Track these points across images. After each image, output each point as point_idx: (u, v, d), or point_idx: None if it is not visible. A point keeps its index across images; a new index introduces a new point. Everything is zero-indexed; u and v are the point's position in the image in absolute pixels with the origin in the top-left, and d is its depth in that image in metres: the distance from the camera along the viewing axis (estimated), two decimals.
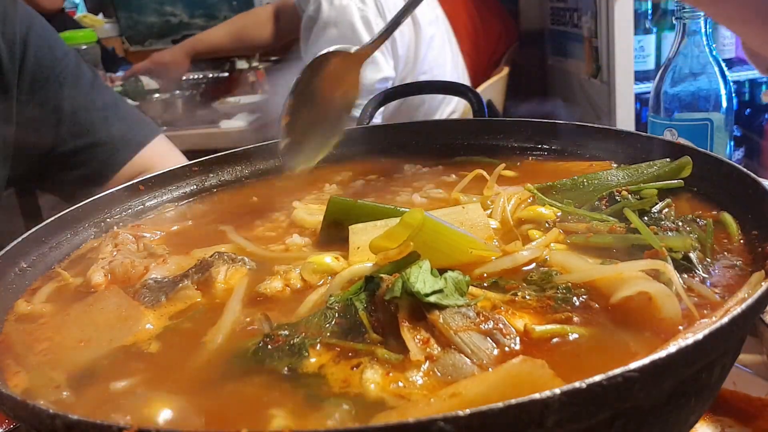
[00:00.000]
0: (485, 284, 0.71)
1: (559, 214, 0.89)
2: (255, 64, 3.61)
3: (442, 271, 0.65)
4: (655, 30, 3.20)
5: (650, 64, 3.23)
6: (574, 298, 0.67)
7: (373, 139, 1.29)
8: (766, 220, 0.75)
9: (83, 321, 0.74)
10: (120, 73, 3.50)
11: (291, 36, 3.02)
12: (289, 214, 1.01)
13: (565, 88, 3.79)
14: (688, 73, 1.55)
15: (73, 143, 1.54)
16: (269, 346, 0.63)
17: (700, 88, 1.55)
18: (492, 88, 3.05)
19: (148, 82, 3.29)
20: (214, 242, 0.93)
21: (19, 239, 0.87)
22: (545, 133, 1.16)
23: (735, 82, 1.70)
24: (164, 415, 0.58)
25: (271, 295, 0.76)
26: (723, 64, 1.54)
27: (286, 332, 0.65)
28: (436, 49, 2.76)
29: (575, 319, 0.64)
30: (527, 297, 0.68)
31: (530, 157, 1.17)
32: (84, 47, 2.97)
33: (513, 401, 0.43)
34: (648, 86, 3.04)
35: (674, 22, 1.55)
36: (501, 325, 0.62)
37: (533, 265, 0.76)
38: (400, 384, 0.57)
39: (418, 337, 0.60)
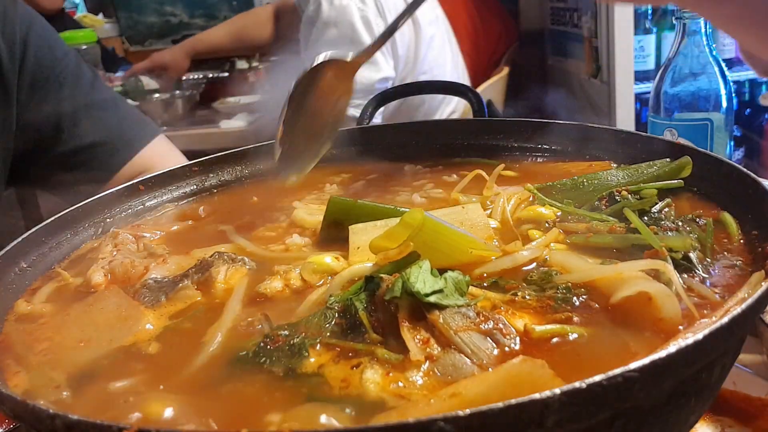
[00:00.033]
0: (485, 284, 0.71)
1: (559, 214, 0.89)
2: (255, 64, 3.61)
3: (442, 271, 0.65)
4: (655, 30, 3.20)
5: (650, 64, 3.23)
6: (574, 298, 0.67)
7: (373, 139, 1.29)
8: (766, 220, 0.75)
9: (83, 321, 0.74)
10: (120, 73, 3.50)
11: (291, 36, 3.02)
12: (289, 214, 1.01)
13: (565, 88, 3.79)
14: (688, 73, 1.55)
15: (73, 143, 1.54)
16: (269, 347, 0.63)
17: (700, 88, 1.55)
18: (492, 88, 3.05)
19: (148, 82, 3.29)
20: (214, 242, 0.93)
21: (19, 239, 0.87)
22: (545, 133, 1.16)
23: (735, 82, 1.70)
24: (164, 415, 0.58)
25: (271, 295, 0.76)
26: (723, 64, 1.54)
27: (286, 332, 0.65)
28: (436, 49, 2.76)
29: (575, 319, 0.65)
30: (527, 297, 0.68)
31: (530, 157, 1.17)
32: (84, 47, 2.97)
33: (513, 401, 0.43)
34: (648, 86, 3.04)
35: (674, 22, 1.55)
36: (501, 325, 0.62)
37: (533, 265, 0.76)
38: (400, 384, 0.57)
39: (418, 337, 0.60)
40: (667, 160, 0.94)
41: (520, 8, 4.05)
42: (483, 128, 1.22)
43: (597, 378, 0.45)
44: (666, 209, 0.84)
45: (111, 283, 0.85)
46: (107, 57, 3.73)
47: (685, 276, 0.70)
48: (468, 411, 0.43)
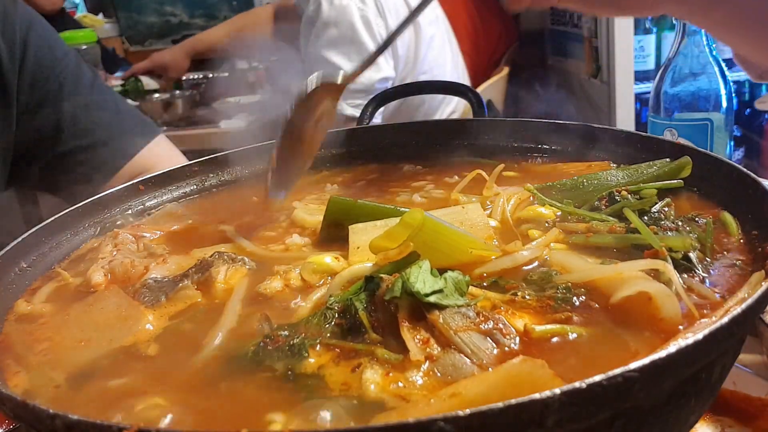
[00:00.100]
0: (485, 284, 0.71)
1: (558, 214, 0.89)
2: (255, 64, 3.61)
3: (442, 271, 0.65)
4: (655, 30, 3.20)
5: (650, 64, 3.23)
6: (574, 298, 0.67)
7: (373, 139, 1.29)
8: (766, 220, 0.75)
9: (83, 321, 0.74)
10: (120, 73, 3.51)
11: (291, 36, 3.02)
12: (289, 214, 1.01)
13: (565, 88, 3.79)
14: (688, 73, 1.55)
15: (73, 143, 1.54)
16: (269, 347, 0.63)
17: (700, 88, 1.55)
18: (492, 88, 3.05)
19: (148, 82, 3.29)
20: (214, 242, 0.93)
21: (19, 239, 0.87)
22: (545, 133, 1.16)
23: (735, 82, 1.70)
24: (164, 415, 0.58)
25: (271, 295, 0.76)
26: (723, 64, 1.54)
27: (286, 333, 0.65)
28: (436, 49, 2.76)
29: (575, 318, 0.65)
30: (527, 297, 0.68)
31: (530, 157, 1.17)
32: (84, 47, 2.97)
33: (513, 401, 0.43)
34: (648, 86, 3.04)
35: (674, 22, 1.56)
36: (501, 325, 0.62)
37: (533, 264, 0.76)
38: (400, 384, 0.57)
39: (418, 337, 0.60)
40: (667, 160, 0.94)
41: None
42: (483, 128, 1.22)
43: (597, 378, 0.45)
44: (666, 209, 0.83)
45: (111, 283, 0.85)
46: (107, 57, 3.73)
47: (685, 276, 0.70)
48: (468, 411, 0.43)
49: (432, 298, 0.62)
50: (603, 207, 0.86)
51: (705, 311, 0.63)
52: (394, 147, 1.27)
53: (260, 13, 3.38)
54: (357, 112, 1.49)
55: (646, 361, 0.46)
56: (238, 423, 0.56)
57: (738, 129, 3.00)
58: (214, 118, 3.06)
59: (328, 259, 0.80)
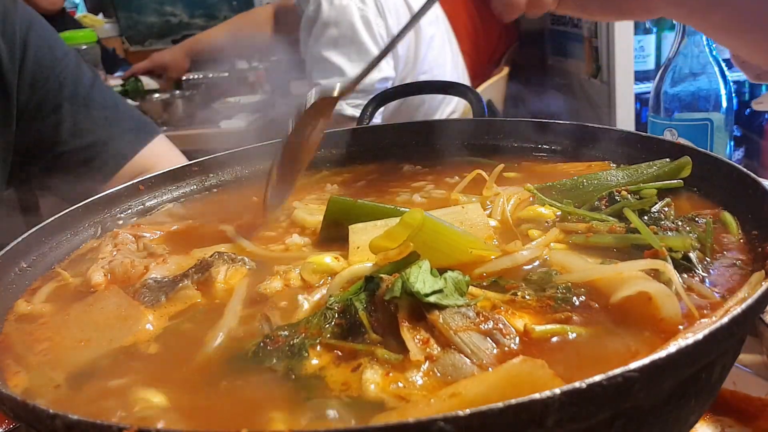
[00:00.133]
0: (485, 284, 0.71)
1: (558, 213, 0.89)
2: (255, 64, 3.61)
3: (442, 271, 0.65)
4: (655, 30, 3.20)
5: (650, 64, 3.23)
6: (574, 298, 0.67)
7: (373, 139, 1.29)
8: (766, 220, 0.75)
9: (83, 321, 0.74)
10: (120, 74, 3.50)
11: (291, 36, 3.02)
12: (289, 214, 1.01)
13: (565, 88, 3.79)
14: (688, 73, 1.55)
15: (73, 143, 1.54)
16: (269, 347, 0.63)
17: (700, 88, 1.55)
18: (492, 88, 3.05)
19: (148, 82, 3.29)
20: (214, 242, 0.93)
21: (19, 239, 0.87)
22: (545, 133, 1.16)
23: (735, 82, 1.70)
24: (164, 415, 0.58)
25: (271, 295, 0.76)
26: (723, 64, 1.55)
27: (286, 333, 0.65)
28: (436, 49, 2.76)
29: (575, 318, 0.65)
30: (527, 297, 0.68)
31: (530, 157, 1.17)
32: (84, 47, 2.97)
33: (513, 401, 0.43)
34: (648, 86, 3.04)
35: (674, 22, 1.55)
36: (501, 325, 0.62)
37: (533, 264, 0.76)
38: (400, 384, 0.57)
39: (418, 337, 0.60)
40: (667, 160, 0.94)
41: None
42: (483, 128, 1.22)
43: (597, 378, 0.45)
44: (666, 209, 0.84)
45: (111, 283, 0.85)
46: (107, 57, 3.73)
47: (685, 276, 0.70)
48: (468, 411, 0.43)
49: (432, 298, 0.62)
50: (603, 207, 0.86)
51: (705, 311, 0.63)
52: (394, 147, 1.27)
53: (260, 13, 3.38)
54: (357, 112, 1.49)
55: (646, 361, 0.46)
56: (238, 423, 0.56)
57: (738, 129, 3.00)
58: (214, 118, 3.06)
59: (328, 259, 0.80)
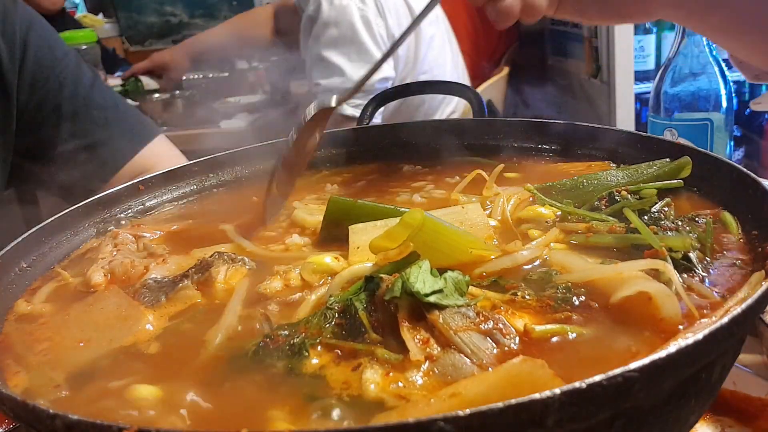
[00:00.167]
0: (485, 284, 0.71)
1: (558, 213, 0.89)
2: (255, 64, 3.61)
3: (442, 271, 0.65)
4: (655, 30, 3.20)
5: (650, 64, 3.23)
6: (574, 298, 0.67)
7: (373, 139, 1.29)
8: (766, 220, 0.75)
9: (83, 321, 0.74)
10: (120, 74, 3.51)
11: (291, 36, 3.02)
12: (289, 214, 1.01)
13: (565, 88, 3.79)
14: (688, 73, 1.55)
15: (73, 143, 1.54)
16: (269, 347, 0.63)
17: (700, 88, 1.55)
18: (492, 88, 3.06)
19: (148, 82, 3.29)
20: (214, 242, 0.93)
21: (19, 239, 0.87)
22: (545, 133, 1.17)
23: (735, 82, 1.70)
24: (164, 414, 0.58)
25: (271, 295, 0.76)
26: (723, 64, 1.55)
27: (286, 332, 0.65)
28: (436, 49, 2.76)
29: (575, 318, 0.65)
30: (527, 297, 0.68)
31: (530, 157, 1.17)
32: (84, 47, 2.97)
33: (513, 401, 0.43)
34: (648, 86, 3.04)
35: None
36: (501, 325, 0.62)
37: (533, 264, 0.76)
38: (400, 384, 0.57)
39: (418, 337, 0.60)
40: (667, 160, 0.94)
41: None
42: (483, 128, 1.22)
43: (597, 378, 0.45)
44: (666, 209, 0.84)
45: (111, 283, 0.85)
46: (107, 57, 3.73)
47: (685, 276, 0.70)
48: (468, 411, 0.43)
49: (432, 298, 0.62)
50: (603, 207, 0.86)
51: (705, 311, 0.64)
52: (394, 147, 1.27)
53: (260, 13, 3.38)
54: (357, 112, 1.49)
55: (646, 361, 0.46)
56: (238, 422, 0.56)
57: (738, 129, 3.00)
58: (214, 118, 3.06)
59: (328, 259, 0.80)
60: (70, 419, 0.48)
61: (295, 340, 0.63)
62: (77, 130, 1.54)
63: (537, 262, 0.76)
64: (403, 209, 0.86)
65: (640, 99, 3.20)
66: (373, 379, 0.57)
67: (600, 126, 1.10)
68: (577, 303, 0.67)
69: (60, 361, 0.68)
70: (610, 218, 0.83)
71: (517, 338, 0.62)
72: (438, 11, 2.90)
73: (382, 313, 0.64)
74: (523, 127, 1.19)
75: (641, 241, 0.74)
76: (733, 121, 1.61)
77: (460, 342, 0.59)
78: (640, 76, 3.18)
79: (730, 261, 0.73)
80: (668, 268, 0.66)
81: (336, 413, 0.55)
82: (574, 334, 0.62)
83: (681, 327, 0.61)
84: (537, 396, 0.44)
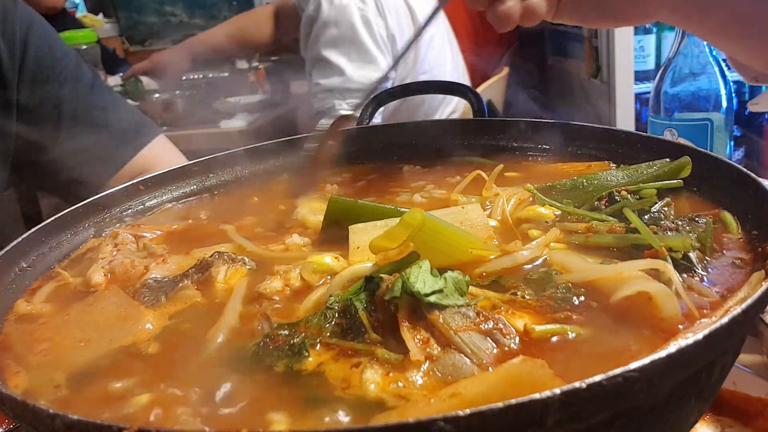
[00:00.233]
0: (485, 284, 0.71)
1: (558, 213, 0.89)
2: (255, 64, 3.61)
3: (442, 271, 0.65)
4: (655, 30, 3.21)
5: (650, 64, 3.24)
6: (574, 298, 0.67)
7: (373, 139, 1.29)
8: (766, 220, 0.75)
9: (83, 321, 0.74)
10: (120, 74, 3.51)
11: (291, 36, 3.02)
12: (289, 213, 1.01)
13: (565, 88, 3.79)
14: (688, 73, 1.55)
15: (73, 143, 1.54)
16: (269, 346, 0.63)
17: (700, 88, 1.55)
18: (492, 88, 3.05)
19: (148, 82, 3.29)
20: (214, 242, 0.93)
21: (19, 239, 0.87)
22: (545, 133, 1.16)
23: (735, 82, 1.70)
24: (164, 414, 0.58)
25: (271, 295, 0.76)
26: (723, 64, 1.55)
27: (286, 332, 0.65)
28: (436, 49, 2.76)
29: (575, 318, 0.65)
30: (527, 296, 0.68)
31: (530, 157, 1.17)
32: (84, 47, 2.97)
33: (513, 401, 0.43)
34: (648, 86, 3.05)
35: None
36: (501, 325, 0.62)
37: (533, 264, 0.76)
38: (400, 384, 0.57)
39: (418, 337, 0.60)
40: (667, 160, 0.94)
41: None
42: (483, 128, 1.22)
43: (597, 378, 0.45)
44: (666, 209, 0.84)
45: (111, 282, 0.85)
46: (107, 57, 3.73)
47: (685, 275, 0.70)
48: (468, 411, 0.43)
49: (432, 298, 0.62)
50: (603, 207, 0.86)
51: (705, 311, 0.64)
52: (394, 147, 1.27)
53: (260, 13, 3.38)
54: (357, 112, 1.49)
55: (646, 361, 0.46)
56: (238, 422, 0.56)
57: (738, 129, 3.00)
58: (214, 118, 3.06)
59: (328, 259, 0.80)
60: (70, 419, 0.48)
61: (295, 340, 0.63)
62: (77, 130, 1.54)
63: (537, 262, 0.76)
64: (403, 209, 0.86)
65: (640, 99, 3.20)
66: (373, 379, 0.57)
67: (600, 126, 1.10)
68: (577, 303, 0.67)
69: (60, 361, 0.68)
70: (610, 218, 0.83)
71: (517, 338, 0.62)
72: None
73: (382, 313, 0.64)
74: (523, 127, 1.19)
75: (641, 241, 0.74)
76: (733, 121, 1.61)
77: (460, 342, 0.59)
78: (640, 76, 3.19)
79: (730, 261, 0.73)
80: (668, 268, 0.66)
81: (336, 413, 0.55)
82: (574, 334, 0.62)
83: (681, 327, 0.61)
84: (537, 396, 0.44)
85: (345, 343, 0.62)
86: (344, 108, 2.41)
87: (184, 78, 3.39)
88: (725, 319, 0.51)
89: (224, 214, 1.06)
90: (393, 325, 0.62)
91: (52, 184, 1.65)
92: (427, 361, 0.58)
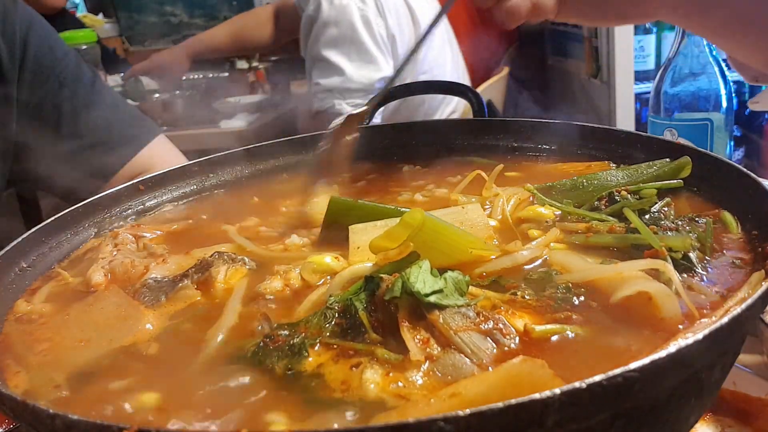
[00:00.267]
0: (485, 284, 0.71)
1: (558, 213, 0.89)
2: (255, 64, 3.61)
3: (442, 271, 0.65)
4: (655, 30, 3.20)
5: (650, 64, 3.23)
6: (574, 298, 0.67)
7: (373, 139, 1.28)
8: (766, 220, 0.75)
9: (83, 321, 0.74)
10: (120, 74, 3.51)
11: (291, 36, 3.02)
12: (288, 213, 1.01)
13: (565, 88, 3.79)
14: (688, 73, 1.55)
15: (73, 143, 1.54)
16: (269, 347, 0.63)
17: (700, 88, 1.55)
18: (492, 88, 3.05)
19: (148, 82, 3.29)
20: (214, 242, 0.93)
21: (19, 239, 0.87)
22: (545, 133, 1.16)
23: (735, 82, 1.70)
24: (164, 414, 0.58)
25: (271, 295, 0.76)
26: (723, 64, 1.55)
27: (286, 332, 0.65)
28: (436, 49, 2.76)
29: (575, 318, 0.64)
30: (527, 296, 0.68)
31: (530, 157, 1.17)
32: (84, 47, 2.97)
33: (513, 401, 0.43)
34: (648, 86, 3.04)
35: None
36: (501, 325, 0.62)
37: (533, 264, 0.76)
38: (400, 384, 0.57)
39: (418, 337, 0.60)
40: (667, 160, 0.94)
41: None
42: (483, 128, 1.22)
43: (597, 378, 0.45)
44: (666, 209, 0.84)
45: (111, 282, 0.85)
46: (107, 57, 3.73)
47: (685, 275, 0.70)
48: (468, 411, 0.43)
49: (432, 298, 0.62)
50: (603, 207, 0.86)
51: (705, 311, 0.63)
52: (394, 147, 1.27)
53: (260, 13, 3.38)
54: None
55: (646, 361, 0.46)
56: (238, 422, 0.56)
57: (738, 129, 3.00)
58: (214, 118, 3.06)
59: (328, 259, 0.80)
60: (70, 419, 0.48)
61: (294, 340, 0.63)
62: (77, 130, 1.54)
63: (537, 262, 0.76)
64: (403, 209, 0.86)
65: (640, 99, 3.20)
66: (373, 379, 0.57)
67: (600, 126, 1.10)
68: (577, 303, 0.67)
69: (60, 361, 0.68)
70: (610, 218, 0.83)
71: (517, 338, 0.62)
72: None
73: (382, 313, 0.64)
74: (523, 127, 1.19)
75: (641, 241, 0.74)
76: (733, 121, 1.61)
77: (460, 342, 0.59)
78: (640, 76, 3.18)
79: (730, 261, 0.73)
80: (668, 268, 0.66)
81: (336, 413, 0.55)
82: (574, 334, 0.62)
83: (681, 327, 0.61)
84: (537, 396, 0.44)
85: (345, 343, 0.62)
86: (344, 108, 2.41)
87: (184, 78, 3.39)
88: (725, 319, 0.51)
89: (224, 214, 1.06)
90: (393, 325, 0.62)
91: (51, 184, 1.65)
92: (427, 361, 0.58)
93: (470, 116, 1.35)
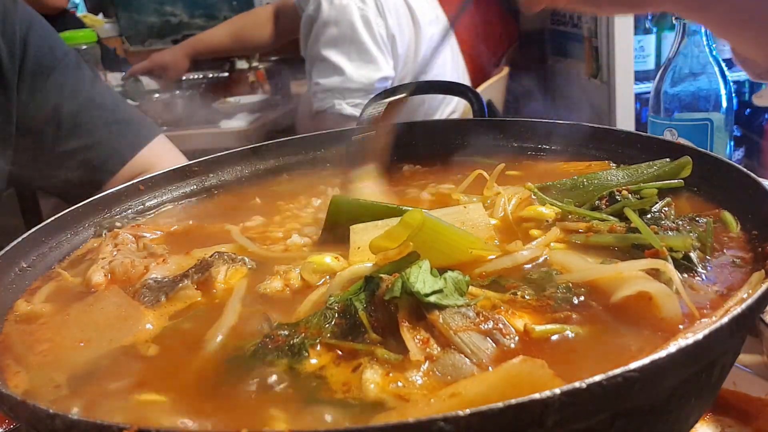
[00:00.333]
0: (485, 283, 0.71)
1: (559, 212, 0.89)
2: (255, 64, 3.61)
3: (442, 271, 0.65)
4: (655, 30, 3.20)
5: (650, 64, 3.23)
6: (574, 298, 0.67)
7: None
8: (766, 220, 0.75)
9: (83, 321, 0.74)
10: (120, 74, 3.51)
11: (291, 36, 3.02)
12: (286, 212, 1.01)
13: (565, 88, 3.79)
14: (688, 73, 1.55)
15: (73, 143, 1.54)
16: (269, 346, 0.63)
17: (700, 88, 1.55)
18: (492, 88, 3.05)
19: (148, 82, 3.29)
20: (214, 242, 0.93)
21: (19, 239, 0.87)
22: (545, 133, 1.17)
23: (735, 82, 1.70)
24: (164, 415, 0.58)
25: (271, 295, 0.76)
26: (723, 64, 1.55)
27: (286, 332, 0.65)
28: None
29: (575, 318, 0.64)
30: (527, 296, 0.68)
31: (530, 157, 1.17)
32: (84, 47, 2.97)
33: (513, 401, 0.43)
34: (648, 86, 3.04)
35: (674, 22, 1.55)
36: (501, 325, 0.62)
37: (533, 264, 0.76)
38: (400, 384, 0.57)
39: (418, 337, 0.60)
40: (667, 160, 0.94)
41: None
42: (483, 128, 1.22)
43: (597, 378, 0.45)
44: (666, 209, 0.83)
45: (111, 283, 0.85)
46: (107, 57, 3.73)
47: (686, 275, 0.70)
48: (468, 411, 0.43)
49: (432, 298, 0.62)
50: (603, 206, 0.86)
51: (705, 311, 0.63)
52: (394, 147, 1.27)
53: (260, 13, 3.38)
54: (356, 112, 1.49)
55: (646, 361, 0.46)
56: (238, 422, 0.56)
57: (738, 129, 3.00)
58: (214, 118, 3.06)
59: (328, 259, 0.80)
60: (70, 419, 0.48)
61: (295, 340, 0.63)
62: (77, 130, 1.54)
63: (537, 262, 0.76)
64: (405, 208, 0.86)
65: (640, 99, 3.20)
66: (373, 379, 0.57)
67: (600, 126, 1.10)
68: (577, 303, 0.67)
69: (60, 361, 0.68)
70: (611, 218, 0.83)
71: (517, 338, 0.62)
72: (438, 11, 2.90)
73: (382, 313, 0.64)
74: (523, 127, 1.19)
75: (642, 240, 0.74)
76: (733, 121, 1.61)
77: (460, 342, 0.59)
78: (640, 76, 3.18)
79: (731, 261, 0.73)
80: (669, 268, 0.66)
81: (336, 413, 0.55)
82: (574, 334, 0.62)
83: (681, 327, 0.61)
84: (537, 396, 0.44)
85: (345, 344, 0.62)
86: (344, 107, 2.41)
87: (184, 78, 3.39)
88: (725, 319, 0.51)
89: (225, 214, 1.06)
90: (393, 325, 0.62)
91: (52, 184, 1.65)
92: (427, 361, 0.58)
93: (470, 116, 1.35)
